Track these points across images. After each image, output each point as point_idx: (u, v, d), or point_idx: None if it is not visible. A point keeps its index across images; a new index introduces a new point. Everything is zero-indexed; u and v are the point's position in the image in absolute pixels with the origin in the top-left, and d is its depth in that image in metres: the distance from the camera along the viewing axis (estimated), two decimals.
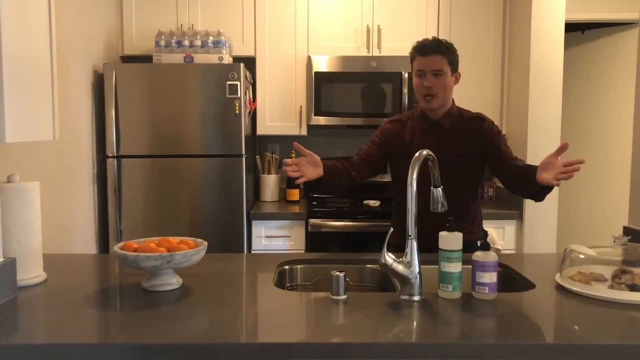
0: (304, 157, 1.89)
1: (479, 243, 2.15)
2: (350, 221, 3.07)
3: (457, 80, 2.12)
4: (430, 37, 2.10)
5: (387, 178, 3.48)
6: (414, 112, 2.21)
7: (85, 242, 2.81)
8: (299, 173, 1.86)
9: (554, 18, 3.06)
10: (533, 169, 1.85)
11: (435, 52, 2.02)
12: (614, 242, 1.61)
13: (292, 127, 3.37)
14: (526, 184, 1.89)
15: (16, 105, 1.41)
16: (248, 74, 3.14)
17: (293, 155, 3.44)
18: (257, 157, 3.56)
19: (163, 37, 3.04)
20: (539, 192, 1.86)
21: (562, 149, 1.71)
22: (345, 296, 1.46)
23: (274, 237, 3.07)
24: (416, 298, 1.45)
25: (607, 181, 3.80)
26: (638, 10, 2.09)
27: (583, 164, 1.66)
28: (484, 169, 2.17)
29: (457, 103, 2.18)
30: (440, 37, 2.14)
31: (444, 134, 2.11)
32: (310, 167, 1.89)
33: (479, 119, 2.14)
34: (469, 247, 1.65)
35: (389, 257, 1.46)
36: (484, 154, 2.10)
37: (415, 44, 2.09)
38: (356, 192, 3.52)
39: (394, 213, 2.28)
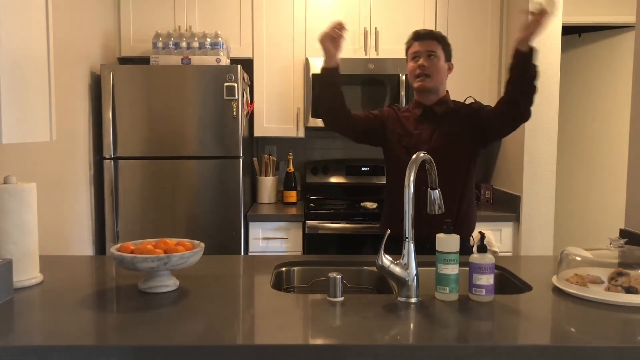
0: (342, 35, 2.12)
1: (471, 240, 2.19)
2: (347, 223, 3.07)
3: (450, 70, 2.23)
4: None
5: (384, 180, 3.50)
6: (409, 105, 2.31)
7: (82, 244, 2.80)
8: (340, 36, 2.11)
9: (550, 21, 3.06)
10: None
11: (430, 38, 2.18)
12: (611, 244, 1.62)
13: (290, 129, 3.37)
14: (509, 101, 2.01)
15: (13, 106, 1.40)
16: (245, 75, 3.14)
17: (291, 155, 3.44)
18: (255, 158, 3.56)
19: (160, 39, 3.04)
20: (520, 94, 1.98)
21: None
22: (342, 298, 1.46)
23: (271, 239, 3.07)
24: (413, 300, 1.45)
25: (604, 184, 3.81)
26: (634, 13, 2.10)
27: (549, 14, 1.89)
28: (478, 155, 2.23)
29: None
30: None
31: (437, 119, 2.19)
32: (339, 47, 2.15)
33: (468, 105, 2.25)
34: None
35: (386, 259, 1.46)
36: (475, 130, 2.15)
37: (410, 34, 2.23)
38: (353, 194, 3.52)
39: (385, 196, 2.36)
